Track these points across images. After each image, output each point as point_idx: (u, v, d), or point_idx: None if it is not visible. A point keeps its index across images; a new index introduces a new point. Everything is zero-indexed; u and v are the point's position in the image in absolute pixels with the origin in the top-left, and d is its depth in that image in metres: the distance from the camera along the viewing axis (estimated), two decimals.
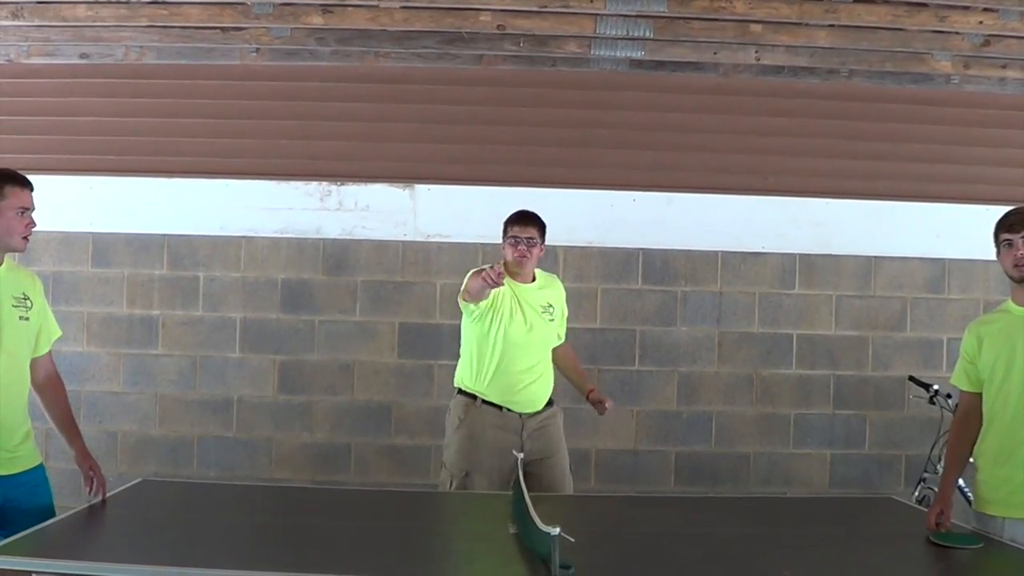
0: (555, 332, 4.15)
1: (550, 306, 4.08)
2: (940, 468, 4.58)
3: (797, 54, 5.03)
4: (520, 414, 3.95)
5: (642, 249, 5.22)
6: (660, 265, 5.22)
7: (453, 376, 4.09)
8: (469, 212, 5.16)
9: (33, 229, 3.06)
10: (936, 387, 4.76)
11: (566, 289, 4.23)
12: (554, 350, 4.16)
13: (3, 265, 3.04)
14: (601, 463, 5.17)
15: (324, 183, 5.19)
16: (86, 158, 5.20)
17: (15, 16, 4.78)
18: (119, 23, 4.86)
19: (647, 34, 4.85)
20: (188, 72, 5.21)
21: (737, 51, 5.01)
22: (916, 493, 4.64)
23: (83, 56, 5.19)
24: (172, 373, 5.19)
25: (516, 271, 4.00)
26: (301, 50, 5.08)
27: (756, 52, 5.02)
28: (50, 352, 3.27)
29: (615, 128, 5.22)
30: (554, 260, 5.10)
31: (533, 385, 3.99)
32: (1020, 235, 3.02)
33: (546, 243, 4.06)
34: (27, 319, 3.08)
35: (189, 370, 5.18)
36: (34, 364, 3.17)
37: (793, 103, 5.27)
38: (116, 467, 5.07)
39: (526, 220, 4.03)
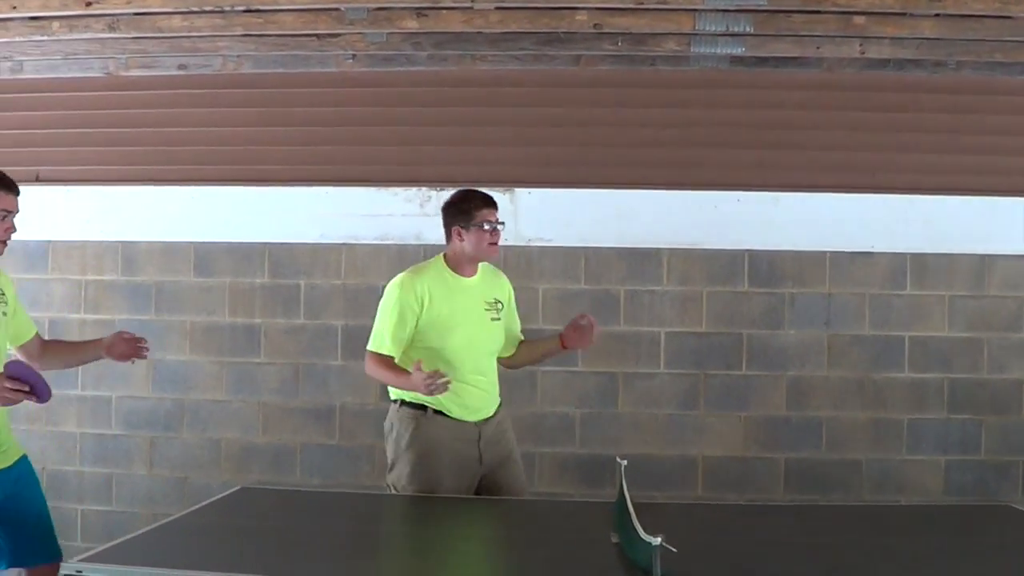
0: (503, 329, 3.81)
1: (497, 302, 3.79)
2: None
3: (902, 46, 4.85)
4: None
5: (748, 250, 5.09)
6: (766, 267, 5.09)
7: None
8: (571, 215, 5.09)
9: (13, 234, 3.10)
10: None
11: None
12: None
13: None
14: (708, 470, 5.07)
15: (423, 188, 5.15)
16: (186, 168, 5.23)
17: (111, 28, 4.78)
18: (214, 33, 4.84)
19: (747, 29, 4.71)
20: (285, 81, 5.22)
21: (840, 44, 4.85)
22: None
23: (181, 67, 5.23)
24: (274, 381, 5.20)
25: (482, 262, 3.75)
26: (397, 55, 5.05)
27: (860, 45, 4.85)
28: (36, 335, 3.38)
29: (717, 127, 5.11)
30: (658, 263, 5.03)
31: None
32: None
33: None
34: (6, 315, 3.17)
35: (291, 378, 5.18)
36: (26, 351, 3.31)
37: (900, 97, 5.10)
38: (220, 475, 5.12)
39: (494, 202, 3.75)
